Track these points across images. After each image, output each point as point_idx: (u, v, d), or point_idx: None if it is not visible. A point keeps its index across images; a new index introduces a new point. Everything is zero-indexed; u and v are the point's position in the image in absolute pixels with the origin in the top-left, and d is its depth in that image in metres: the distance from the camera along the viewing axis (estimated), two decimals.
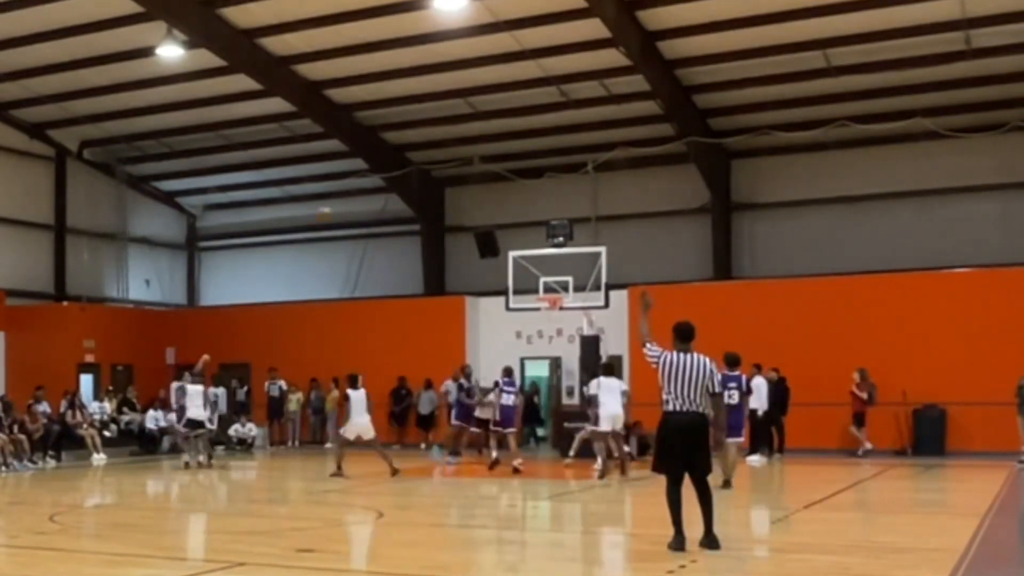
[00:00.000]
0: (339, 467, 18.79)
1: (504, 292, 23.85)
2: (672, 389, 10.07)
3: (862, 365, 22.69)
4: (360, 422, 19.04)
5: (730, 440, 16.18)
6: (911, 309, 23.42)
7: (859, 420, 22.63)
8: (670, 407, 10.10)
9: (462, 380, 22.27)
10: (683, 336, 10.28)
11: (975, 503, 14.10)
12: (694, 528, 10.06)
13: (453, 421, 22.15)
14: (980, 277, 23.60)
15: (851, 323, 23.71)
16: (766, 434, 21.98)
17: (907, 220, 25.87)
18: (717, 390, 10.30)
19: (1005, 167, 25.05)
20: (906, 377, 22.86)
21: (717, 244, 27.45)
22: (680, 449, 10.03)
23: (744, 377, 17.70)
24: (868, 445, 22.46)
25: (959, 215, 25.45)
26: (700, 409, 10.06)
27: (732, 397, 16.46)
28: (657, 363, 10.19)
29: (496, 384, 20.29)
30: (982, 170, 25.20)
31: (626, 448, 19.57)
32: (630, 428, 23.10)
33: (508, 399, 19.84)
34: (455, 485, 18.98)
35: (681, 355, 10.16)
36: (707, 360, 10.19)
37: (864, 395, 22.54)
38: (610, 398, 18.52)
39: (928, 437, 22.77)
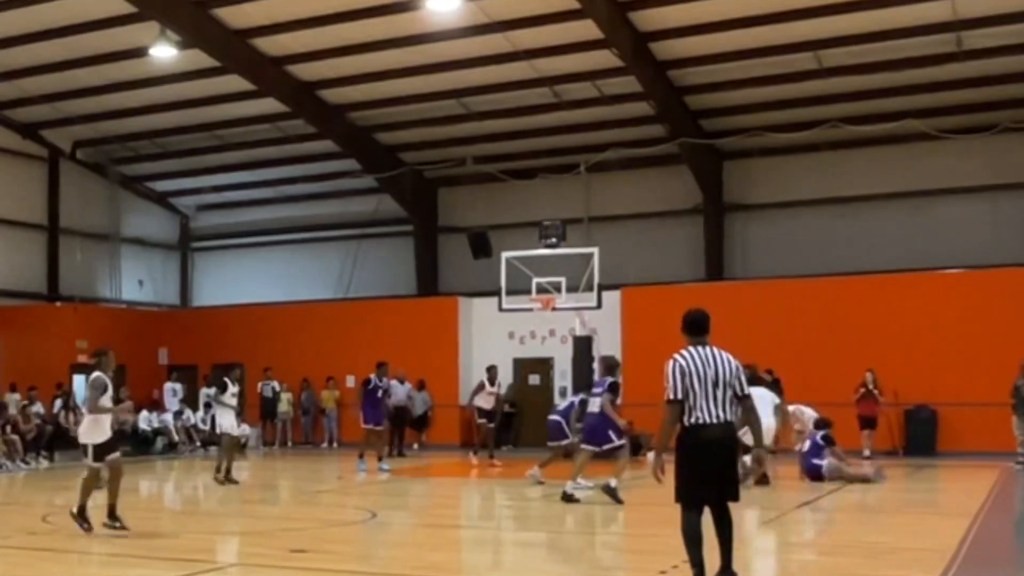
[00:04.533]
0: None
1: (497, 293, 23.86)
2: (695, 394, 7.91)
3: (854, 365, 22.73)
4: None
5: None
6: (902, 310, 23.48)
7: (873, 423, 22.52)
8: (695, 419, 7.90)
9: (381, 378, 20.35)
10: (694, 327, 8.20)
11: (966, 503, 14.16)
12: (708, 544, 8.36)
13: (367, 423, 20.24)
14: (971, 278, 23.67)
15: (843, 324, 23.75)
16: None
17: (898, 221, 25.92)
18: (746, 391, 8.14)
19: (996, 168, 25.11)
20: (898, 378, 22.91)
21: (709, 245, 27.50)
22: (714, 470, 7.94)
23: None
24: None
25: (950, 216, 25.50)
26: (730, 418, 8.03)
27: None
28: (672, 372, 7.99)
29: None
30: (973, 171, 25.26)
31: None
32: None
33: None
34: (448, 485, 18.99)
35: (699, 350, 8.08)
36: (729, 356, 8.15)
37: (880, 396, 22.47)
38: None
39: (919, 437, 22.84)
